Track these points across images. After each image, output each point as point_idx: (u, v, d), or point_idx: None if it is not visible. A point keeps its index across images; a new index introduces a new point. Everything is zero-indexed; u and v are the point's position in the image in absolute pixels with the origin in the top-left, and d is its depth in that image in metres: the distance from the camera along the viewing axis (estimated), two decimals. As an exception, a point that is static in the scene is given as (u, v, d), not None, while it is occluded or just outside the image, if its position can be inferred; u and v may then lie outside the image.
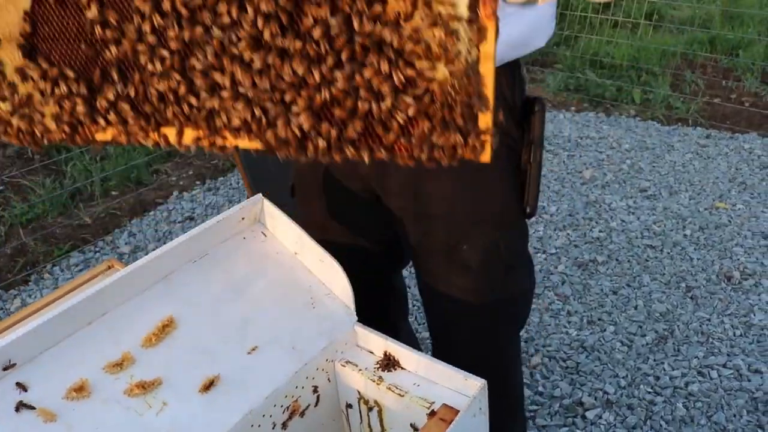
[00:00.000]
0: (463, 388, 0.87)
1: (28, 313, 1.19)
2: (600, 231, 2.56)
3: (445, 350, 1.17)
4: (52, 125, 0.73)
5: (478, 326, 1.12)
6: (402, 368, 0.94)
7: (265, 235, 1.06)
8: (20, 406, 0.77)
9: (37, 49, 0.70)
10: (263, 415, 0.87)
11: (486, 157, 0.62)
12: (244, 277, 1.00)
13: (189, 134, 0.70)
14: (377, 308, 1.31)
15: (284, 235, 1.05)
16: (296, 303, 1.00)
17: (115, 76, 0.68)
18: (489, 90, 0.59)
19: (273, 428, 0.90)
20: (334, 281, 1.01)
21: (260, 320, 0.96)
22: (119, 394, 0.82)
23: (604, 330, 2.05)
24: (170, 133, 0.71)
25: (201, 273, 0.99)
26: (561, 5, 4.58)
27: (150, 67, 0.66)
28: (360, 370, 0.95)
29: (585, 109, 3.76)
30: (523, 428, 1.36)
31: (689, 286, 2.23)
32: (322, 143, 0.65)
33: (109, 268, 1.28)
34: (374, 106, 0.62)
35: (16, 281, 2.45)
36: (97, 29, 0.66)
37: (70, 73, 0.69)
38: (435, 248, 1.06)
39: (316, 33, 0.59)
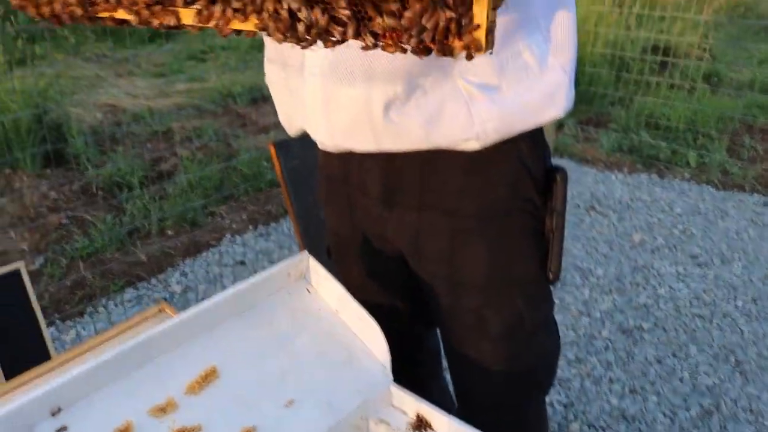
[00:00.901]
0: (492, 456, 0.89)
1: (80, 351, 1.25)
2: (647, 297, 2.53)
3: (468, 412, 1.18)
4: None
5: (501, 390, 1.13)
6: (433, 430, 0.96)
7: (309, 292, 1.10)
8: (69, 445, 0.82)
9: None
10: (296, 469, 0.90)
11: (479, 47, 0.59)
12: (287, 331, 1.04)
13: (188, 15, 0.71)
14: (410, 366, 1.34)
15: (327, 292, 1.09)
16: (335, 359, 1.03)
17: None
18: None
19: (304, 482, 0.92)
20: (372, 340, 1.04)
21: (299, 374, 0.99)
22: (161, 439, 0.86)
23: (647, 400, 2.01)
24: (173, 16, 0.72)
25: (246, 325, 1.03)
26: (617, 66, 4.60)
27: None
28: (393, 429, 0.97)
29: (638, 171, 3.74)
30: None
31: (738, 360, 2.18)
32: (309, 23, 0.64)
33: (160, 311, 1.33)
34: None
35: (72, 313, 2.56)
36: None
37: None
38: (462, 313, 1.09)
39: None
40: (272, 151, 2.20)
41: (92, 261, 2.87)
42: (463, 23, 0.59)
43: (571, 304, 2.50)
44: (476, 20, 0.58)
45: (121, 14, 0.75)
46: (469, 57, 0.61)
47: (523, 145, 1.00)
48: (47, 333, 1.97)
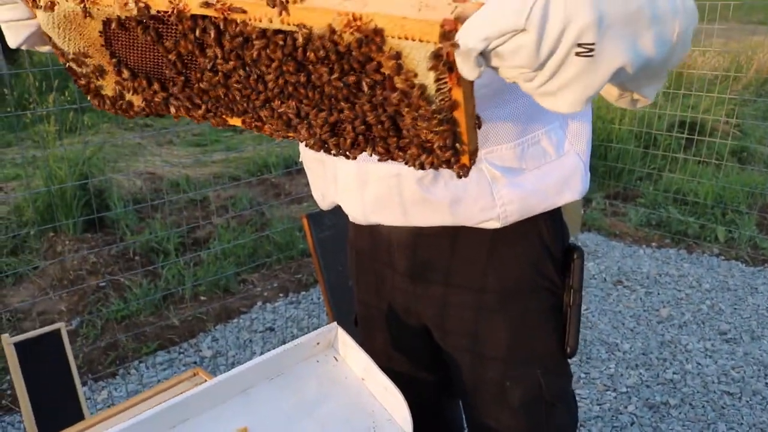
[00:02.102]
0: None
1: (117, 411, 1.31)
2: (674, 373, 2.51)
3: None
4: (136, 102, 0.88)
5: None
6: (452, 499, 0.99)
7: (337, 360, 1.16)
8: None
9: (118, 57, 0.85)
10: None
11: (465, 171, 0.72)
12: (314, 397, 1.09)
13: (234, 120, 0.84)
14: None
15: (354, 361, 1.14)
16: (359, 426, 1.07)
17: (177, 85, 0.82)
18: (464, 130, 0.67)
19: None
20: (395, 409, 1.08)
21: (325, 440, 1.04)
22: (193, 497, 0.91)
23: (674, 479, 1.99)
24: (220, 120, 0.85)
25: (276, 390, 1.08)
26: (645, 142, 4.67)
27: (199, 83, 0.80)
28: (413, 497, 1.00)
29: (666, 246, 3.75)
30: None
31: (768, 440, 2.16)
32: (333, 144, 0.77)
33: (194, 375, 1.39)
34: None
35: (105, 374, 2.62)
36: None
37: (130, 74, 0.84)
38: (484, 384, 1.13)
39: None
40: (305, 222, 2.29)
41: (127, 324, 2.95)
42: (451, 161, 0.71)
43: (597, 379, 2.49)
44: (462, 160, 0.70)
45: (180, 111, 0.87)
46: (459, 176, 0.73)
47: (543, 226, 1.07)
48: (82, 393, 2.04)
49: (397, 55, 0.63)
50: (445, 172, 0.99)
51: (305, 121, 0.76)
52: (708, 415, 2.27)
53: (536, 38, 0.56)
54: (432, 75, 0.63)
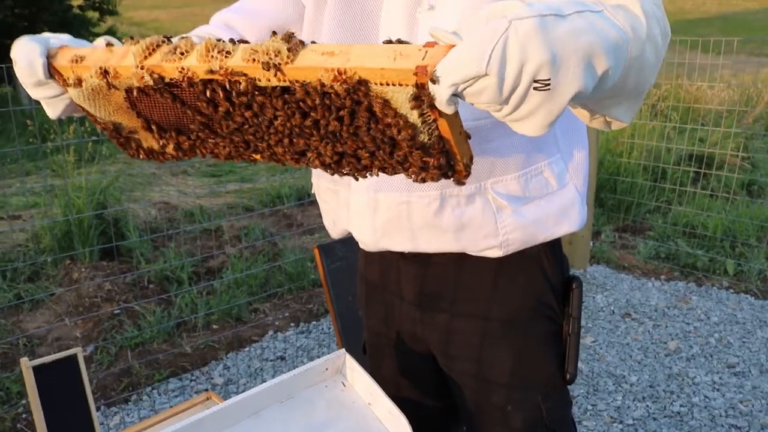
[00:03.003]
0: None
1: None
2: (681, 405, 2.53)
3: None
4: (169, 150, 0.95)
5: None
6: None
7: (344, 386, 1.20)
8: None
9: (144, 116, 0.92)
10: None
11: (463, 179, 0.80)
12: (323, 420, 1.14)
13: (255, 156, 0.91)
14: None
15: (361, 387, 1.19)
16: (365, 449, 1.11)
17: (200, 135, 0.90)
18: (455, 149, 0.74)
19: None
20: (400, 432, 1.12)
21: (332, 462, 1.08)
22: None
23: None
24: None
25: (286, 413, 1.13)
26: (654, 176, 4.71)
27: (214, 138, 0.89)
28: None
29: (675, 278, 3.77)
30: None
31: (775, 474, 2.16)
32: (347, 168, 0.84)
33: (207, 399, 1.44)
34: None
35: (118, 400, 2.67)
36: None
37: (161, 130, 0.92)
38: (486, 410, 1.17)
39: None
40: (316, 253, 2.35)
41: (140, 350, 3.00)
42: (448, 174, 0.78)
43: (604, 411, 2.51)
44: (458, 170, 0.77)
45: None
46: (459, 184, 0.80)
47: (543, 258, 1.12)
48: (96, 417, 2.08)
49: (383, 100, 0.71)
50: (451, 201, 1.04)
51: (316, 152, 0.83)
52: (715, 449, 2.28)
53: (497, 80, 0.63)
54: (416, 112, 0.70)
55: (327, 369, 1.20)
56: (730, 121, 5.37)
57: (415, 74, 0.66)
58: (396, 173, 0.81)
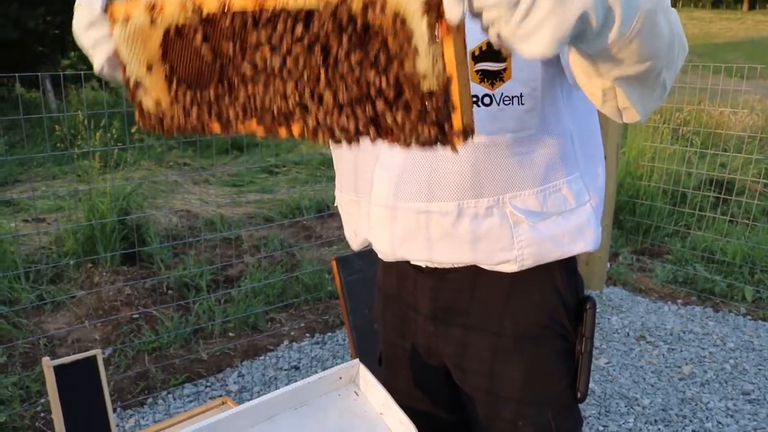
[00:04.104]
0: None
1: (150, 434, 1.40)
2: (694, 430, 2.52)
3: None
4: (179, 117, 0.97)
5: None
6: None
7: (357, 395, 1.23)
8: None
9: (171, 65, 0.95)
10: None
11: (455, 149, 0.76)
12: (335, 428, 1.16)
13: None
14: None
15: (373, 396, 1.22)
16: (375, 458, 1.14)
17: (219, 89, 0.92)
18: (456, 92, 0.73)
19: None
20: (410, 443, 1.15)
21: (342, 469, 1.11)
22: None
23: None
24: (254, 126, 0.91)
25: (299, 419, 1.16)
26: (674, 200, 4.70)
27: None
28: None
29: (692, 303, 3.75)
30: None
31: (786, 504, 2.14)
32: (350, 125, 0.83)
33: (222, 403, 1.47)
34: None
35: (134, 403, 2.71)
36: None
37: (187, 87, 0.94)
38: (497, 424, 1.19)
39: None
40: (334, 265, 2.38)
41: (157, 355, 3.05)
42: (445, 127, 0.76)
43: (615, 433, 2.51)
44: (455, 124, 0.75)
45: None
46: (454, 148, 0.77)
47: (557, 276, 1.14)
48: (113, 418, 2.12)
49: (395, 14, 0.73)
50: (469, 212, 1.06)
51: (321, 106, 0.84)
52: (726, 475, 2.27)
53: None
54: (425, 21, 0.71)
55: (341, 378, 1.23)
56: (752, 147, 5.36)
57: None
58: (391, 135, 0.81)
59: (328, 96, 0.82)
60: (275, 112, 0.89)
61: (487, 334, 1.16)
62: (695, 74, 5.06)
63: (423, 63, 0.74)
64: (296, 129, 0.87)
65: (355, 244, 1.27)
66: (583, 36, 0.71)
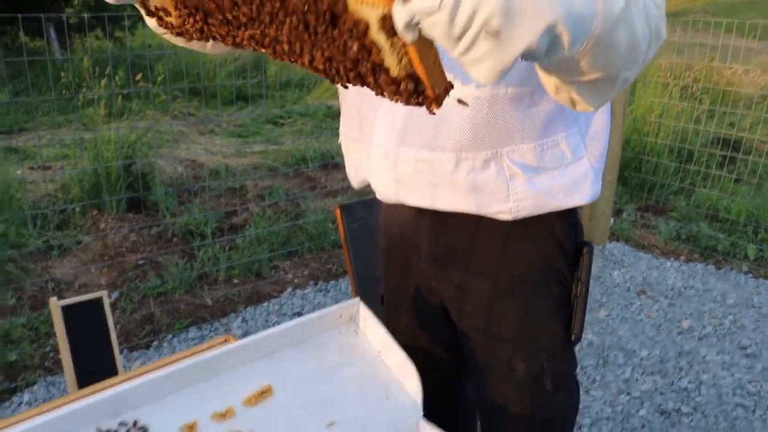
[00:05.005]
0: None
1: (150, 368, 1.43)
2: (689, 382, 2.55)
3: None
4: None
5: None
6: (454, 464, 1.08)
7: (357, 333, 1.25)
8: (147, 428, 0.98)
9: None
10: (330, 481, 1.03)
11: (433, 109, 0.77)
12: (334, 364, 1.19)
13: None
14: (449, 413, 1.45)
15: (372, 334, 1.24)
16: (373, 393, 1.16)
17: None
18: (423, 75, 0.74)
19: (336, 495, 1.05)
20: (407, 379, 1.17)
21: (341, 402, 1.13)
22: (220, 439, 1.01)
23: (678, 481, 2.04)
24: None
25: (299, 355, 1.18)
26: (681, 158, 4.68)
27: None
28: (418, 460, 1.09)
29: (695, 260, 3.76)
30: None
31: (777, 453, 2.19)
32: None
33: (225, 341, 1.50)
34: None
35: (139, 345, 2.76)
36: None
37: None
38: (492, 365, 1.21)
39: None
40: (338, 213, 2.39)
41: (162, 300, 3.09)
42: (420, 101, 0.77)
43: (612, 382, 2.55)
44: (427, 95, 0.76)
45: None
46: (430, 112, 0.78)
47: (556, 225, 1.15)
48: (119, 357, 2.17)
49: (357, 19, 0.73)
50: (466, 163, 1.07)
51: (308, 54, 0.84)
52: (719, 425, 2.31)
53: (448, 19, 0.65)
54: (383, 35, 0.72)
55: (341, 316, 1.25)
56: (763, 107, 5.30)
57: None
58: (377, 89, 0.81)
59: (316, 54, 0.82)
60: (266, 35, 0.88)
61: (486, 277, 1.18)
62: (707, 32, 4.97)
63: (389, 59, 0.74)
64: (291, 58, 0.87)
65: (356, 181, 1.28)
66: (529, 57, 0.71)
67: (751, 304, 3.23)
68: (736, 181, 4.54)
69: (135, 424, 1.02)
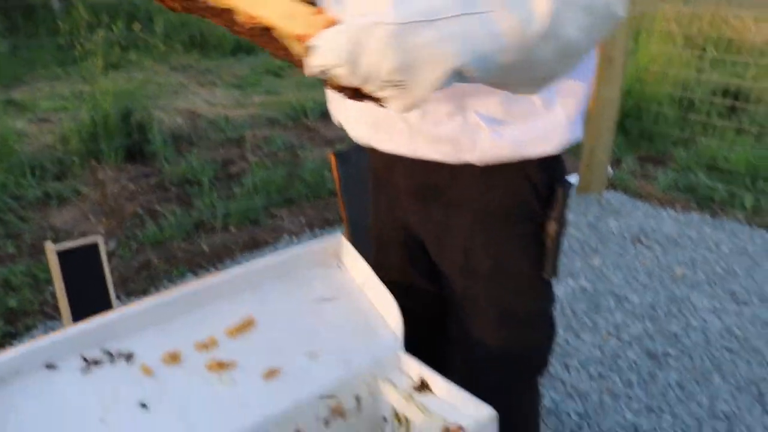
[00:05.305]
0: (477, 415, 1.03)
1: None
2: (678, 326, 2.59)
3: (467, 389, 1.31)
4: None
5: (495, 372, 1.27)
6: (432, 392, 1.11)
7: (340, 268, 1.28)
8: (129, 357, 1.01)
9: None
10: (310, 408, 1.06)
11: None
12: (317, 298, 1.21)
13: None
14: (434, 349, 1.48)
15: (355, 270, 1.26)
16: (355, 326, 1.19)
17: None
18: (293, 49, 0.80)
19: (317, 421, 1.09)
20: (388, 314, 1.20)
21: (323, 334, 1.16)
22: (201, 367, 1.04)
23: (661, 419, 2.09)
24: None
25: (282, 289, 1.21)
26: (684, 107, 4.64)
27: None
28: (398, 389, 1.12)
29: (691, 210, 3.77)
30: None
31: (762, 393, 2.23)
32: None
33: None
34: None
35: (136, 290, 2.81)
36: None
37: None
38: (467, 300, 1.23)
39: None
40: (332, 159, 2.40)
41: (159, 248, 3.13)
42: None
43: (602, 327, 2.58)
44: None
45: None
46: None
47: (529, 165, 1.15)
48: (115, 300, 2.21)
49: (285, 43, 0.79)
50: (431, 115, 1.07)
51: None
52: (705, 367, 2.35)
53: (350, 73, 0.69)
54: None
55: (325, 250, 1.27)
56: None
57: (298, 40, 0.75)
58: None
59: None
60: None
61: (462, 214, 1.19)
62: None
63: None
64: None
65: (335, 120, 1.29)
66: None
67: (745, 252, 3.25)
68: (739, 131, 4.51)
69: (119, 353, 1.05)
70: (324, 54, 0.70)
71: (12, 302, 2.72)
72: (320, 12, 0.74)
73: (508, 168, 1.13)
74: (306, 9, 0.76)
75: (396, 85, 0.69)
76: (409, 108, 0.72)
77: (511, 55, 0.74)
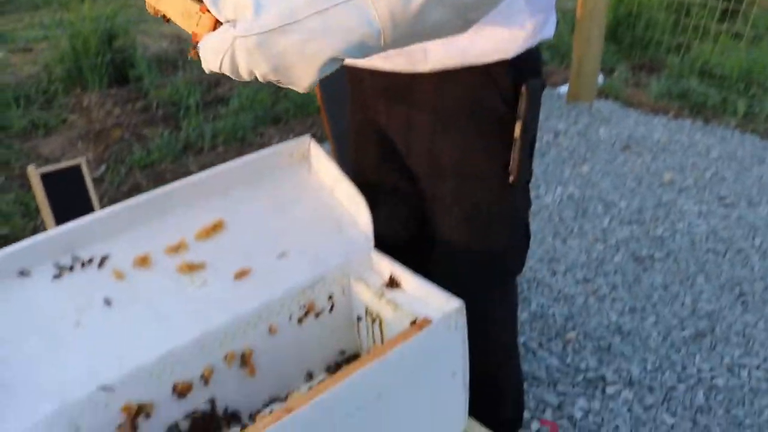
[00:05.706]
0: (446, 307, 1.05)
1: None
2: (665, 230, 2.61)
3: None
4: None
5: (463, 271, 1.28)
6: (401, 288, 1.13)
7: (309, 171, 1.27)
8: (102, 261, 1.03)
9: None
10: (282, 306, 1.08)
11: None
12: (287, 200, 1.22)
13: None
14: (413, 247, 1.50)
15: (325, 172, 1.26)
16: (325, 227, 1.20)
17: None
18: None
19: (290, 319, 1.11)
20: (359, 214, 1.20)
21: (293, 235, 1.17)
22: (172, 269, 1.06)
23: (645, 319, 2.13)
24: None
25: (252, 191, 1.21)
26: (678, 11, 4.53)
27: None
28: (369, 287, 1.14)
29: (683, 116, 3.73)
30: (513, 376, 1.48)
31: (743, 292, 2.26)
32: None
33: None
34: None
35: (128, 215, 2.82)
36: None
37: None
38: (436, 198, 1.24)
39: None
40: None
41: (148, 171, 3.13)
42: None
43: (589, 232, 2.60)
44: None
45: None
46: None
47: (492, 65, 1.12)
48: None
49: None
50: None
51: None
52: (689, 269, 2.38)
53: (234, 76, 0.74)
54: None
55: (293, 153, 1.26)
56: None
57: (193, 37, 0.77)
58: None
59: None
60: None
61: (426, 114, 1.18)
62: None
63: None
64: None
65: None
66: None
67: (735, 158, 3.24)
68: (735, 36, 4.41)
69: (90, 258, 1.07)
70: (207, 59, 0.73)
71: (4, 229, 2.74)
72: (205, 10, 0.74)
73: (466, 70, 1.11)
74: (195, 7, 0.77)
75: (279, 82, 0.73)
76: (307, 90, 0.75)
77: (391, 34, 0.71)
